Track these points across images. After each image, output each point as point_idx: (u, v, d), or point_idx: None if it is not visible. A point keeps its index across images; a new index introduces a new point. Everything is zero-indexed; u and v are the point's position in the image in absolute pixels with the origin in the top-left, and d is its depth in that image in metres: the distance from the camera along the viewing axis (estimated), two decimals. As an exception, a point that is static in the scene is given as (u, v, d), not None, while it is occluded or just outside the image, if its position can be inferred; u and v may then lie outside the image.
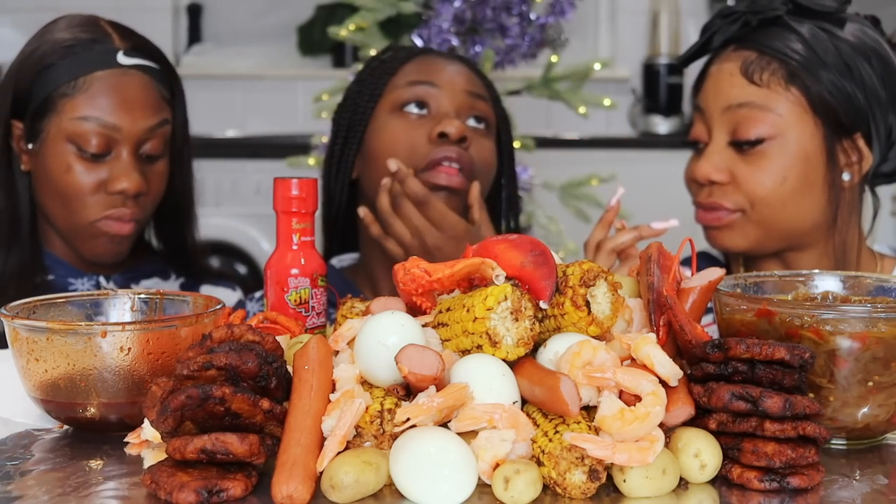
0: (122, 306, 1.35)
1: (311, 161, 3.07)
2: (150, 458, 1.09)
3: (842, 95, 1.70)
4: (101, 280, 1.93)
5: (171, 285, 2.01)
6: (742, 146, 1.73)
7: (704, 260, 1.92)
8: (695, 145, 1.82)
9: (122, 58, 1.84)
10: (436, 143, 1.83)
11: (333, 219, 1.99)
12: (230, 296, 2.04)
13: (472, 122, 1.90)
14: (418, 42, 2.90)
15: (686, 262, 1.78)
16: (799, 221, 1.74)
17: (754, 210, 1.74)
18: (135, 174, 1.82)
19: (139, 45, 1.88)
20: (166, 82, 1.89)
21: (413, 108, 1.87)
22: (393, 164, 1.78)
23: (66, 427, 1.24)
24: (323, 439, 1.04)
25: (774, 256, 1.80)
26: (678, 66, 1.87)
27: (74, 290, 1.89)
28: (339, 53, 4.87)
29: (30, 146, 1.86)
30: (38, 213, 1.91)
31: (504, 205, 2.01)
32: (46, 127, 1.83)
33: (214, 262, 4.26)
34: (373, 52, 2.89)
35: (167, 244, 2.03)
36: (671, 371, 1.08)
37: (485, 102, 1.92)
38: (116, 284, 1.94)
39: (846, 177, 1.74)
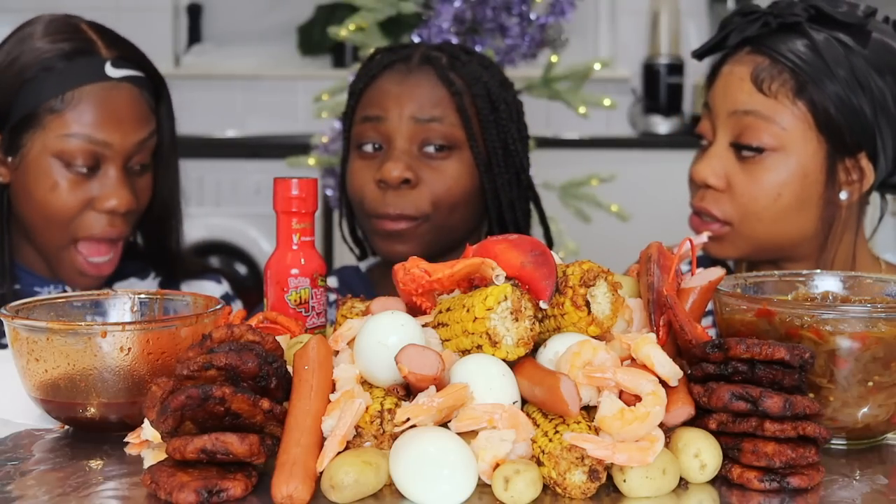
0: (122, 306, 1.35)
1: (311, 161, 3.07)
2: (150, 458, 1.09)
3: (848, 110, 1.65)
4: (68, 289, 1.85)
5: (150, 284, 1.95)
6: (742, 150, 1.69)
7: (708, 260, 1.90)
8: (698, 140, 1.79)
9: (110, 70, 1.77)
10: (381, 188, 1.81)
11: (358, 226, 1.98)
12: (215, 289, 1.97)
13: (428, 149, 1.82)
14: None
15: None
16: (789, 237, 1.71)
17: (744, 224, 1.70)
18: (124, 191, 1.76)
19: (126, 53, 1.82)
20: (153, 90, 1.83)
21: (368, 147, 1.84)
22: None
23: (66, 427, 1.24)
24: (323, 439, 1.04)
25: (769, 263, 1.78)
26: (696, 58, 1.80)
27: None
28: (339, 53, 4.87)
29: (9, 159, 1.78)
30: (11, 223, 1.84)
31: (507, 210, 1.90)
32: (29, 142, 1.75)
33: (214, 261, 4.27)
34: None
35: (149, 245, 1.96)
36: (671, 371, 1.08)
37: (440, 123, 1.82)
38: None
39: (844, 195, 1.70)
